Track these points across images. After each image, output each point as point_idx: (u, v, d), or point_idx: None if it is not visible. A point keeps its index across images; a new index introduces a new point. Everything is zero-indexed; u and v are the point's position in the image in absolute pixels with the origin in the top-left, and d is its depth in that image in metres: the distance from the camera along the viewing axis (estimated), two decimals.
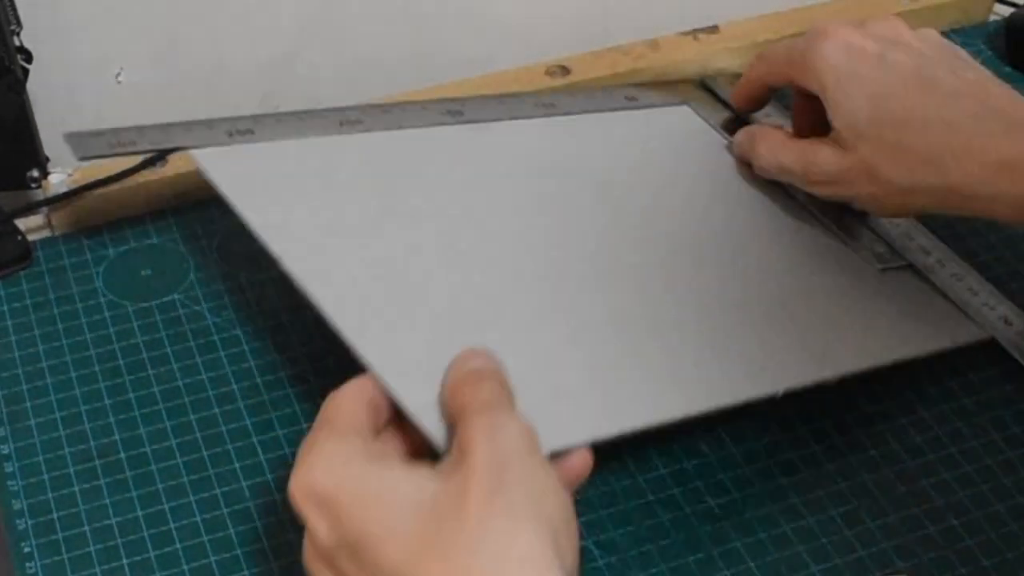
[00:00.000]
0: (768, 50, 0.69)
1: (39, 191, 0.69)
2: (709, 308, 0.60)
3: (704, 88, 0.77)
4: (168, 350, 0.63)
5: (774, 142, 0.66)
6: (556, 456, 0.48)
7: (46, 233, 0.69)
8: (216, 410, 0.61)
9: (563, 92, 0.75)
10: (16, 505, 0.57)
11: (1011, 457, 0.60)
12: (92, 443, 0.59)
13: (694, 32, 0.80)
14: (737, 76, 0.79)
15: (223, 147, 0.62)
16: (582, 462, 0.49)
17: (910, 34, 0.64)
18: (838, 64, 0.62)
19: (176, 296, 0.66)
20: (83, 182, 0.68)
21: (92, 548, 0.55)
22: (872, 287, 0.64)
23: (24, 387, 0.61)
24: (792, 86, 0.67)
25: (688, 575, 0.55)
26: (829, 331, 0.61)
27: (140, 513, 0.57)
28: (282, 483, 0.57)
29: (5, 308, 0.65)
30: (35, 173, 0.68)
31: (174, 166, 0.70)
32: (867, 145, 0.60)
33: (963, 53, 0.64)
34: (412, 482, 0.45)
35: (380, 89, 0.76)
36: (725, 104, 0.76)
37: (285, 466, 0.58)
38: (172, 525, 0.56)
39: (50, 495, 0.57)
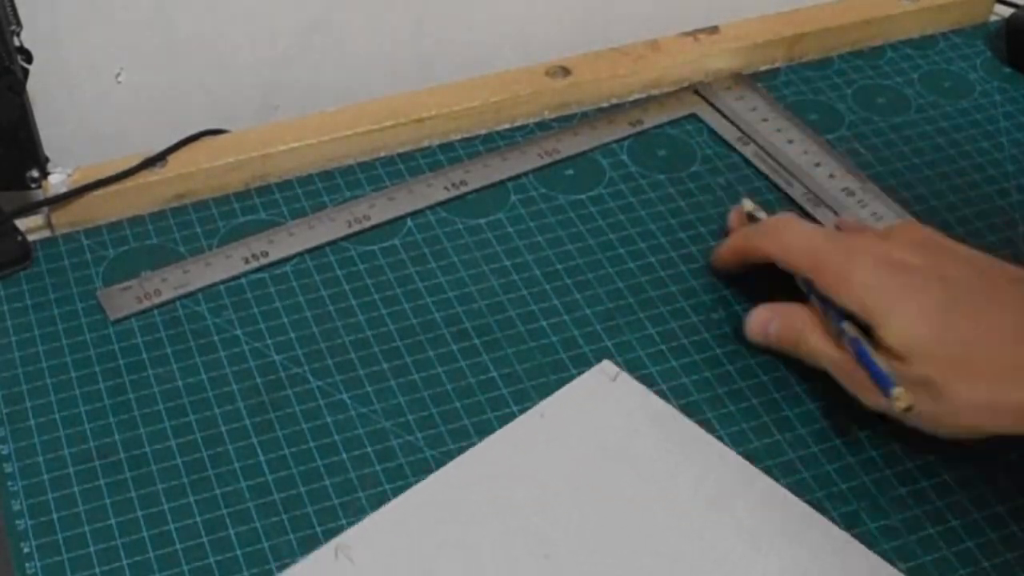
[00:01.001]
0: (781, 231, 0.64)
1: (39, 191, 0.69)
2: None
3: (700, 96, 0.77)
4: (168, 350, 0.63)
5: (817, 336, 0.61)
6: None
7: (46, 233, 0.69)
8: (216, 411, 0.60)
9: (567, 130, 0.75)
10: (16, 505, 0.56)
11: (1012, 459, 0.60)
12: (92, 443, 0.59)
13: (694, 32, 0.80)
14: (736, 76, 0.80)
15: None
16: None
17: (938, 239, 0.62)
18: (882, 283, 0.59)
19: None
20: (83, 182, 0.68)
21: (92, 549, 0.55)
22: None
23: (24, 387, 0.61)
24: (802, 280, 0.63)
25: None
26: None
27: (140, 514, 0.56)
28: (282, 484, 0.58)
29: (5, 308, 0.65)
30: (35, 173, 0.68)
31: (174, 166, 0.70)
32: (928, 363, 0.57)
33: (991, 258, 0.61)
34: None
35: (380, 89, 0.76)
36: (723, 115, 0.76)
37: (284, 467, 0.58)
38: (172, 526, 0.56)
39: (50, 496, 0.57)
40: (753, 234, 0.66)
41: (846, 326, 0.59)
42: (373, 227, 0.70)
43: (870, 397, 0.58)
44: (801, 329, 0.62)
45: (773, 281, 0.64)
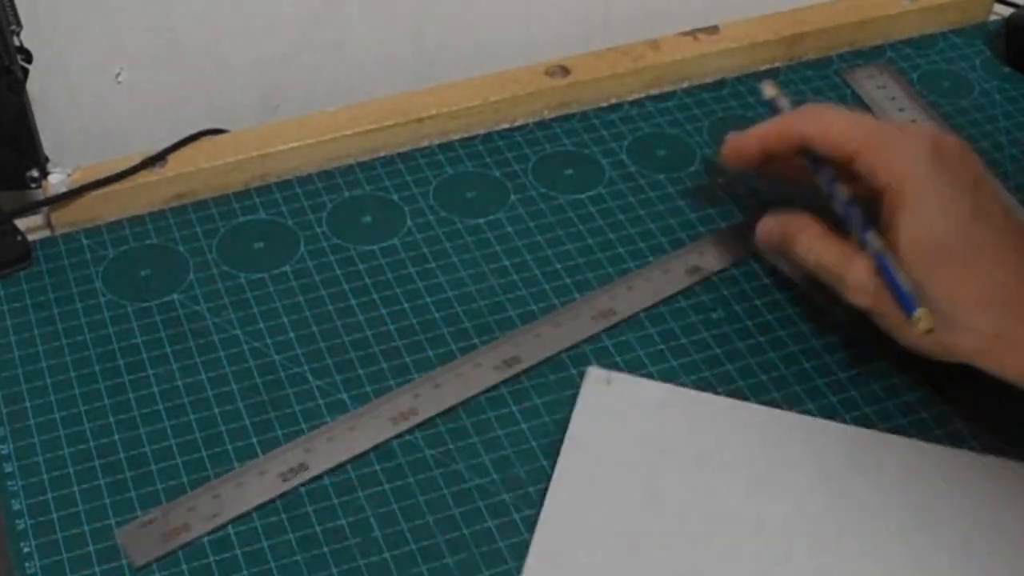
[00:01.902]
0: (824, 112, 0.63)
1: (39, 191, 0.69)
2: None
3: None
4: (167, 350, 0.63)
5: (813, 235, 0.62)
6: None
7: (46, 233, 0.69)
8: (215, 410, 0.60)
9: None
10: (16, 505, 0.56)
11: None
12: (91, 443, 0.59)
13: (694, 32, 0.80)
14: (738, 80, 0.80)
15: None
16: None
17: (988, 178, 0.61)
18: (927, 172, 0.58)
19: (176, 296, 0.66)
20: (83, 182, 0.68)
21: (92, 548, 0.55)
22: None
23: (24, 387, 0.61)
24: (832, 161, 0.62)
25: None
26: None
27: (140, 514, 0.56)
28: None
29: (5, 308, 0.65)
30: (35, 173, 0.68)
31: (174, 166, 0.70)
32: (928, 271, 0.57)
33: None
34: None
35: (380, 89, 0.76)
36: None
37: None
38: None
39: (49, 495, 0.57)
40: (786, 118, 0.65)
41: (871, 236, 0.59)
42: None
43: (859, 295, 0.60)
44: (798, 229, 0.62)
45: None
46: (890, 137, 0.60)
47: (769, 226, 0.65)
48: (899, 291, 0.57)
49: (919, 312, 0.56)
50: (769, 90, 0.68)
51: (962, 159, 0.60)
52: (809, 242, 0.62)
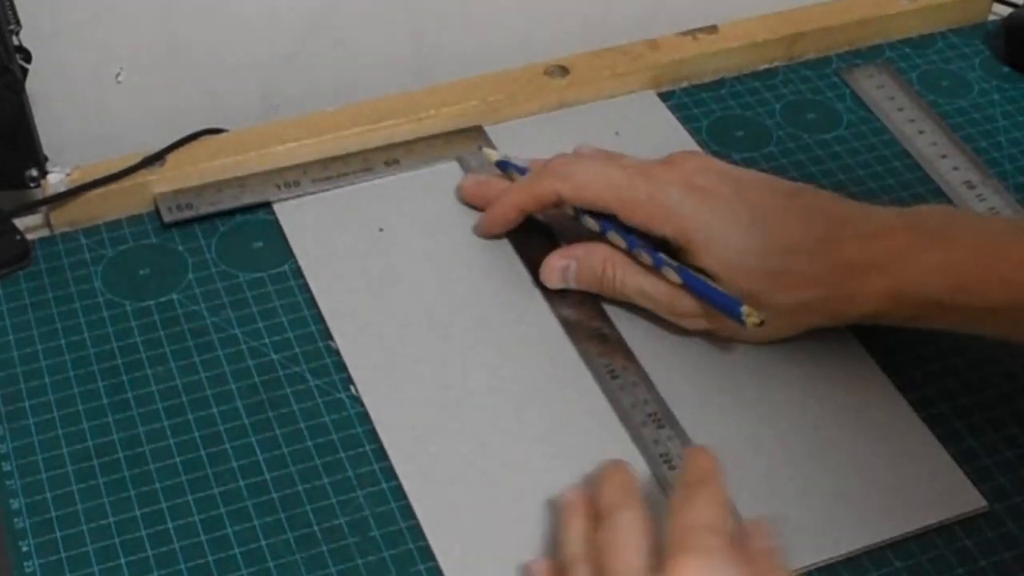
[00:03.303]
0: (573, 170, 0.64)
1: (38, 190, 0.69)
2: None
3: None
4: (166, 350, 0.63)
5: (623, 270, 0.63)
6: None
7: (45, 232, 0.69)
8: (214, 410, 0.61)
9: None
10: (14, 504, 0.57)
11: (1010, 457, 0.60)
12: (90, 442, 0.59)
13: (694, 32, 0.80)
14: (738, 80, 0.80)
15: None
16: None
17: (725, 166, 0.64)
18: (697, 210, 0.61)
19: (175, 296, 0.66)
20: (82, 181, 0.68)
21: (90, 547, 0.55)
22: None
23: (22, 386, 0.61)
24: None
25: None
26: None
27: (138, 512, 0.57)
28: (280, 483, 0.58)
29: (4, 308, 0.65)
30: (34, 172, 0.68)
31: (174, 166, 0.70)
32: (749, 278, 0.60)
33: (771, 177, 0.64)
34: None
35: (380, 89, 0.76)
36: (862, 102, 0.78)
37: (282, 465, 0.58)
38: (170, 524, 0.56)
39: (48, 494, 0.57)
40: (539, 181, 0.65)
41: (666, 257, 0.61)
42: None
43: (692, 321, 0.62)
44: (603, 267, 0.63)
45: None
46: (643, 195, 0.62)
47: (563, 263, 0.64)
48: (718, 296, 0.60)
49: (744, 309, 0.59)
50: (492, 156, 0.70)
51: (707, 172, 0.63)
52: (629, 273, 0.63)
